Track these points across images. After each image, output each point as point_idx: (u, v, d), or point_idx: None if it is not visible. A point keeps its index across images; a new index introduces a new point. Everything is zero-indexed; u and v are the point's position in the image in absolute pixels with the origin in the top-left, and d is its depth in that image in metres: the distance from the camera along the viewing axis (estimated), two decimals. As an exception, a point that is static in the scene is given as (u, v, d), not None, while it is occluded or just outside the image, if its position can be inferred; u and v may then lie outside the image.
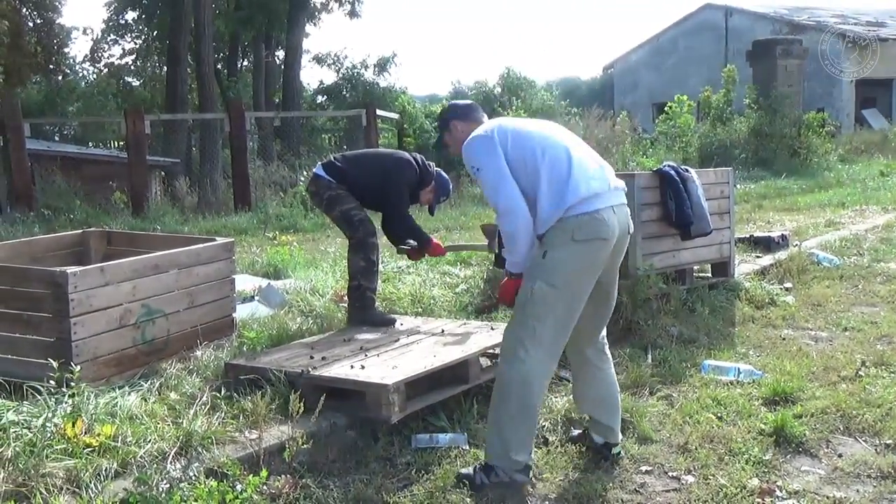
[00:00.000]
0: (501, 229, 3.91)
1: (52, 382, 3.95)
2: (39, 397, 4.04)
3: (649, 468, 4.16)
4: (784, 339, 6.24)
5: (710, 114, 19.35)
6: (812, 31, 29.86)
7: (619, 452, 4.24)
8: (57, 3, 26.80)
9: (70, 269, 4.46)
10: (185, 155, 22.74)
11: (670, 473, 4.10)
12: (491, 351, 4.87)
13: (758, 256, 8.48)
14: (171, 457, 3.74)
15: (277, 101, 29.04)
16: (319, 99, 27.14)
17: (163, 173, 18.75)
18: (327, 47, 32.06)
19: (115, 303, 4.67)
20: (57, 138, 25.16)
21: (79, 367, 3.98)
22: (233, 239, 5.71)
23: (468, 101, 4.56)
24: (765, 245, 8.73)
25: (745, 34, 31.55)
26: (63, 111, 26.71)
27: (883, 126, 28.49)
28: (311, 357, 4.75)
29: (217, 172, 19.21)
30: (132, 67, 34.72)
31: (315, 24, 28.20)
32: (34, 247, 5.64)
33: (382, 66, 27.41)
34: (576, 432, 4.47)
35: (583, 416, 4.45)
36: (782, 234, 9.01)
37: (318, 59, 27.97)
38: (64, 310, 4.40)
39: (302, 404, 4.02)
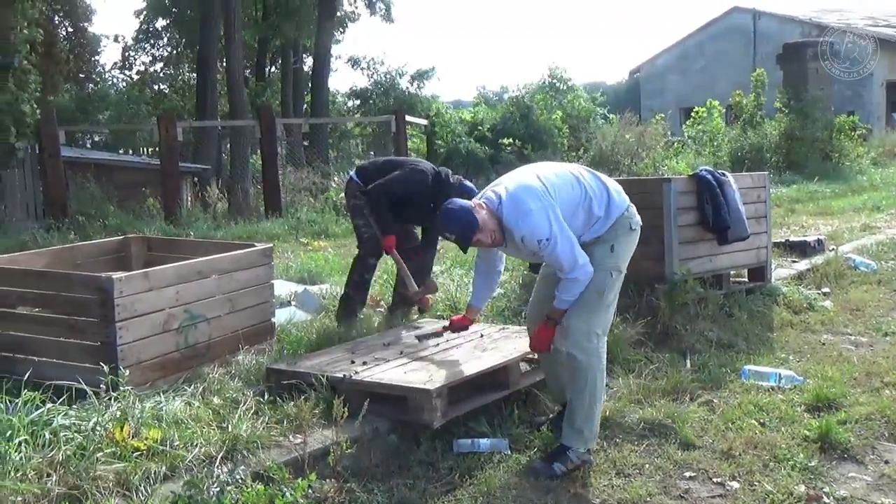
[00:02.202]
0: (577, 279, 4.08)
1: (102, 386, 3.99)
2: (86, 401, 4.09)
3: (693, 474, 4.14)
4: (824, 344, 6.19)
5: (741, 118, 19.18)
6: (841, 33, 29.58)
7: None
8: (88, 12, 27.20)
9: (116, 275, 4.51)
10: (215, 161, 22.88)
11: (715, 479, 4.08)
12: (531, 356, 4.86)
13: (794, 261, 8.41)
14: (217, 461, 3.77)
15: (306, 107, 29.20)
16: (350, 103, 27.21)
17: (194, 179, 18.84)
18: (355, 53, 32.20)
19: (159, 308, 4.72)
20: (88, 145, 25.43)
21: (127, 372, 4.02)
22: (271, 245, 5.77)
23: (452, 199, 4.32)
24: (800, 250, 8.66)
25: (774, 37, 31.30)
26: (94, 119, 26.98)
27: (912, 129, 28.17)
28: (352, 362, 4.77)
29: (247, 179, 19.31)
30: (162, 75, 35.13)
31: (342, 31, 28.35)
32: (76, 253, 5.72)
33: (420, 77, 27.42)
34: (541, 419, 4.71)
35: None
36: (818, 239, 8.94)
37: (354, 62, 27.96)
38: (109, 315, 4.46)
39: (346, 409, 4.04)
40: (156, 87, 32.91)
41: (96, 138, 28.08)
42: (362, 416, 4.07)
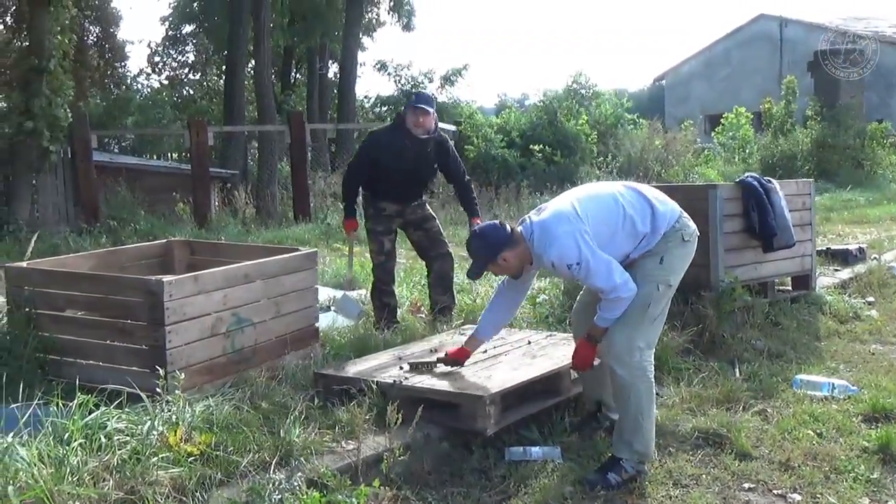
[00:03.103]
0: (619, 298, 4.00)
1: (158, 391, 3.97)
2: (137, 405, 4.05)
3: (752, 485, 4.06)
4: (874, 354, 6.09)
5: (772, 125, 19.05)
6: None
7: None
8: (116, 17, 27.39)
9: (166, 278, 4.48)
10: (242, 167, 22.93)
11: (775, 491, 4.00)
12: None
13: (836, 269, 8.30)
14: (272, 467, 3.73)
15: (331, 112, 29.24)
16: (378, 109, 27.19)
17: (226, 184, 18.88)
18: (382, 59, 32.32)
19: (207, 311, 4.68)
20: (116, 150, 25.58)
21: (182, 375, 3.99)
22: (316, 249, 5.72)
23: (495, 223, 4.27)
24: (842, 258, 8.55)
25: (801, 45, 31.17)
26: (121, 123, 27.16)
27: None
28: (401, 367, 4.72)
29: (275, 184, 19.34)
30: (188, 80, 35.32)
31: (371, 37, 28.37)
32: (120, 256, 5.70)
33: (450, 78, 27.24)
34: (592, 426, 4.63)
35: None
36: (859, 247, 8.82)
37: (381, 66, 27.88)
38: (159, 318, 4.43)
39: (400, 415, 3.98)
40: (183, 92, 33.04)
41: (124, 143, 28.23)
42: (416, 422, 4.01)
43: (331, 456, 3.95)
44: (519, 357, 4.86)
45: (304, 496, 3.50)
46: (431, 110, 6.06)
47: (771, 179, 6.69)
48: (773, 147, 18.48)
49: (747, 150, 18.42)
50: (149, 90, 33.78)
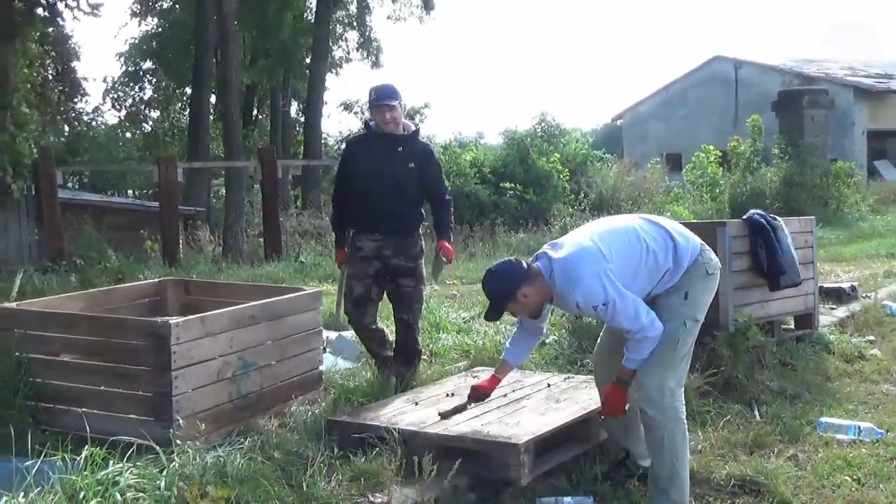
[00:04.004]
0: (646, 338, 3.85)
1: (173, 441, 3.68)
2: (144, 457, 3.76)
3: (800, 536, 3.87)
4: (887, 394, 5.97)
5: (740, 164, 19.17)
6: (822, 83, 29.79)
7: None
8: (76, 53, 26.96)
9: (172, 320, 4.21)
10: (205, 204, 22.54)
11: (825, 542, 3.81)
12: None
13: (831, 308, 8.21)
14: (299, 523, 3.46)
15: (293, 150, 28.99)
16: (342, 147, 27.02)
17: (189, 221, 18.48)
18: (349, 97, 32.40)
19: (214, 355, 4.42)
20: (76, 186, 25.02)
21: (203, 425, 3.72)
22: (320, 289, 5.48)
23: (511, 260, 4.10)
24: (836, 296, 8.47)
25: (755, 86, 31.72)
26: (80, 160, 26.60)
27: (894, 177, 28.41)
28: (419, 412, 4.48)
29: (242, 221, 18.99)
30: (146, 116, 34.81)
31: (336, 74, 28.25)
32: (111, 297, 5.39)
33: (412, 116, 27.24)
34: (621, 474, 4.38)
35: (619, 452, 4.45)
36: (851, 285, 8.76)
37: (346, 106, 27.82)
38: (165, 362, 4.15)
39: (434, 466, 3.74)
40: (143, 128, 32.54)
41: (84, 180, 27.66)
42: (452, 474, 3.77)
43: (359, 511, 3.69)
44: (542, 401, 4.65)
45: (339, 556, 3.25)
46: (396, 102, 5.30)
47: (776, 217, 6.59)
48: (742, 185, 18.57)
49: (717, 189, 18.48)
50: (104, 127, 33.18)
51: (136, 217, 18.12)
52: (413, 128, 5.53)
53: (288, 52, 26.19)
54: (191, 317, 4.35)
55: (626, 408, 4.13)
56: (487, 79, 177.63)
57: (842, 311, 8.11)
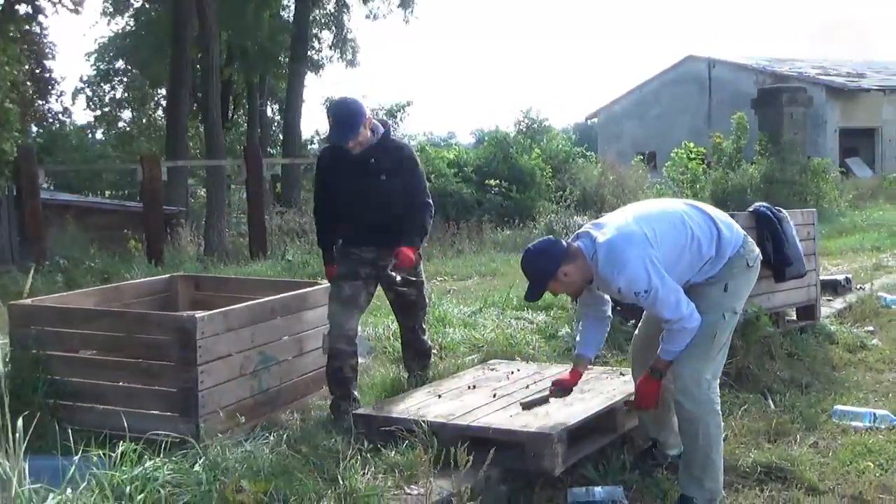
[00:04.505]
0: (683, 329, 3.82)
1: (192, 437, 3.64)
2: (177, 453, 3.71)
3: (833, 522, 3.89)
4: (894, 382, 6.03)
5: (721, 160, 19.33)
6: (794, 81, 30.11)
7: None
8: (51, 52, 26.66)
9: (198, 314, 4.16)
10: (184, 203, 22.34)
11: (858, 528, 3.84)
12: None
13: (829, 299, 8.28)
14: (342, 516, 3.43)
15: (270, 149, 28.82)
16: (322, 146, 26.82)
17: (178, 220, 18.31)
18: (327, 94, 32.57)
19: (237, 349, 4.37)
20: (52, 187, 24.71)
21: (244, 417, 3.67)
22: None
23: (551, 238, 4.07)
24: (832, 288, 8.55)
25: (728, 85, 32.01)
26: (57, 160, 26.28)
27: (866, 175, 28.78)
28: (443, 405, 4.46)
29: (224, 220, 18.85)
30: (119, 116, 34.45)
31: (317, 74, 28.12)
32: (122, 293, 5.31)
33: (394, 113, 27.14)
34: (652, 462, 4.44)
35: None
36: (846, 277, 8.86)
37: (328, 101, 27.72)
38: (191, 357, 4.10)
39: (470, 457, 3.72)
40: (118, 127, 32.21)
41: (60, 180, 27.32)
42: (487, 465, 3.74)
43: (396, 503, 3.66)
44: (566, 392, 4.63)
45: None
46: (355, 135, 4.66)
47: (781, 209, 6.63)
48: (724, 181, 18.73)
49: (698, 185, 18.61)
50: (70, 127, 32.75)
51: (117, 217, 17.98)
52: (382, 130, 4.88)
53: (266, 51, 26.03)
54: (214, 311, 4.30)
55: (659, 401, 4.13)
56: (459, 79, 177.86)
57: (839, 303, 8.21)
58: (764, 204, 6.63)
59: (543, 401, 4.33)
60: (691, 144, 20.65)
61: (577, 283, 3.94)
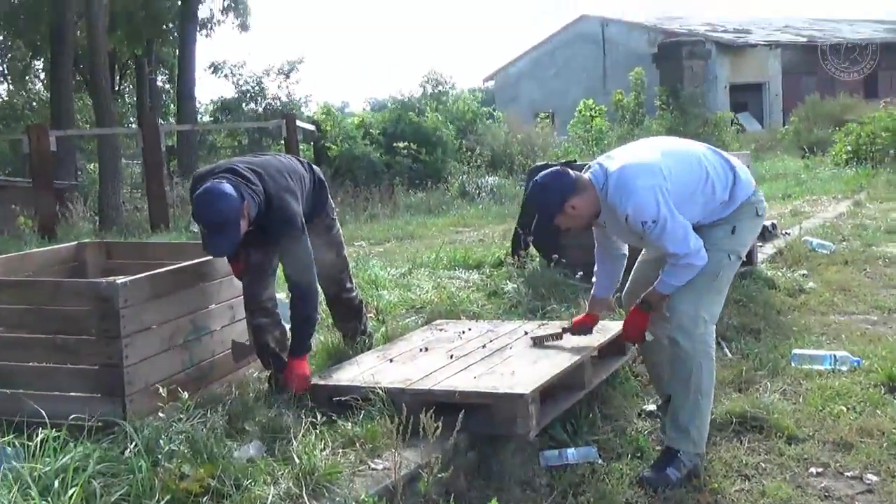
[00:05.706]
0: (690, 265, 3.64)
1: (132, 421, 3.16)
2: (104, 438, 3.26)
3: (820, 469, 3.73)
4: (839, 324, 5.94)
5: (626, 116, 19.37)
6: (685, 38, 30.54)
7: None
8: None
9: (120, 279, 3.66)
10: (73, 176, 21.16)
11: (847, 473, 3.68)
12: (595, 354, 4.31)
13: (759, 245, 8.21)
14: (304, 498, 3.03)
15: (160, 120, 27.56)
16: (219, 116, 25.77)
17: (71, 194, 17.25)
18: (217, 58, 31.40)
19: (165, 319, 3.89)
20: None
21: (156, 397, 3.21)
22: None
23: (557, 170, 3.79)
24: (759, 234, 8.47)
25: (622, 43, 32.30)
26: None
27: (756, 128, 29.49)
28: (397, 369, 4.09)
29: (120, 193, 17.90)
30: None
31: (208, 36, 26.95)
32: (28, 262, 4.71)
33: (287, 72, 26.25)
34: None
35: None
36: (773, 223, 8.84)
37: (216, 68, 26.61)
38: (113, 329, 3.60)
39: (438, 424, 3.36)
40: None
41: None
42: (456, 431, 3.39)
43: (362, 479, 3.28)
44: (527, 350, 4.31)
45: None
46: (233, 245, 3.82)
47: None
48: (630, 137, 18.76)
49: (606, 142, 18.59)
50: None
51: (4, 193, 16.77)
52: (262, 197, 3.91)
53: (153, 14, 24.77)
54: (139, 276, 3.79)
55: (648, 338, 3.97)
56: (353, 44, 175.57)
57: (769, 248, 8.18)
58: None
59: (558, 336, 4.25)
60: (590, 101, 20.66)
61: (586, 217, 3.74)
